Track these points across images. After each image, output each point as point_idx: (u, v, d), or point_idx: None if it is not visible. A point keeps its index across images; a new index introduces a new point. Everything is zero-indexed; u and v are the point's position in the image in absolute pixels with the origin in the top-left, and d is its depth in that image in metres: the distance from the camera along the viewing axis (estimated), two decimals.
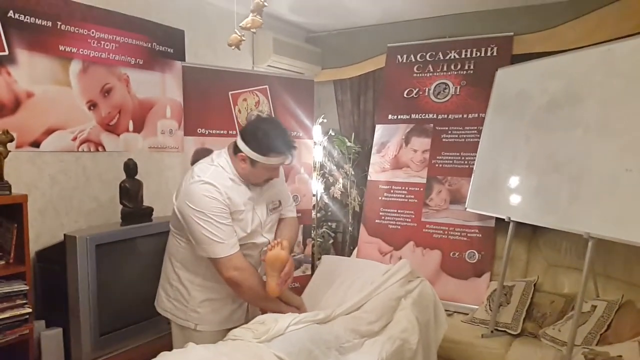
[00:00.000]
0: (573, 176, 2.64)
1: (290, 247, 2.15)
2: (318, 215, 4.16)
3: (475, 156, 3.46)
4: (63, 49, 2.70)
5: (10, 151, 2.25)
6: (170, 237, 2.16)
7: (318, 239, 4.00)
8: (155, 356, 1.71)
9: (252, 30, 2.16)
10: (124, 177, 2.76)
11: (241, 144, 1.99)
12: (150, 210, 2.77)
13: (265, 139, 1.96)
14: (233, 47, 2.39)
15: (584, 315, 2.77)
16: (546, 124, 2.92)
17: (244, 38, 2.36)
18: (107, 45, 2.92)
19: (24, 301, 2.18)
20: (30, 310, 2.17)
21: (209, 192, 1.93)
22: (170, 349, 2.03)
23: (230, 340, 1.86)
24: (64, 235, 2.32)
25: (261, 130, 2.00)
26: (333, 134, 4.11)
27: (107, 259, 2.40)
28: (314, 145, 3.81)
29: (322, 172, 4.05)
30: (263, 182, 2.09)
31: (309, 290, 2.54)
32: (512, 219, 3.02)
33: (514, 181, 3.09)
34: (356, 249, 3.92)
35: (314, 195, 3.85)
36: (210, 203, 1.92)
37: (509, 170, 3.14)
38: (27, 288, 2.19)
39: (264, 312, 2.23)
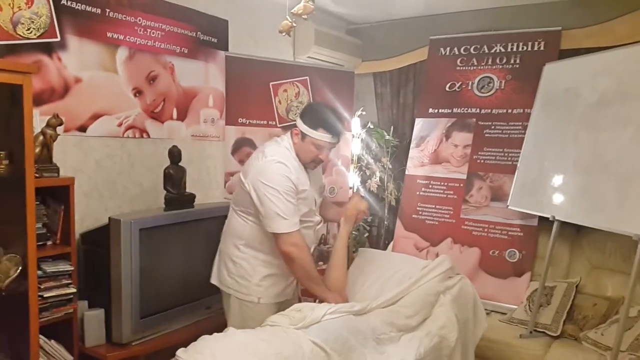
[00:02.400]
0: (622, 176, 2.54)
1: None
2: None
3: (519, 153, 3.38)
4: (111, 36, 2.75)
5: (59, 134, 2.31)
6: (233, 217, 2.29)
7: (353, 232, 3.98)
8: (194, 340, 1.74)
9: (303, 16, 2.19)
10: (166, 164, 2.80)
11: (298, 121, 2.24)
12: (192, 196, 2.80)
13: (318, 114, 2.21)
14: (284, 34, 2.42)
15: (630, 321, 2.68)
16: (595, 122, 2.82)
17: (294, 24, 2.39)
18: (153, 33, 2.96)
19: (69, 281, 2.24)
20: (74, 290, 2.24)
21: (282, 170, 2.12)
22: (212, 331, 2.08)
23: (268, 326, 1.87)
24: (109, 218, 2.36)
25: (319, 107, 2.28)
26: (372, 126, 4.08)
27: (149, 243, 2.44)
28: (352, 138, 3.79)
29: (359, 165, 4.02)
30: (310, 162, 2.25)
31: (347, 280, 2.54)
32: (556, 218, 2.94)
33: (559, 180, 3.00)
34: (392, 243, 3.88)
35: (350, 188, 3.83)
36: (283, 181, 2.10)
37: (554, 168, 3.05)
38: (72, 268, 2.25)
39: (307, 294, 2.44)
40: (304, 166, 2.25)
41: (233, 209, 2.30)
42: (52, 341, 2.21)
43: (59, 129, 2.36)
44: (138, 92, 2.93)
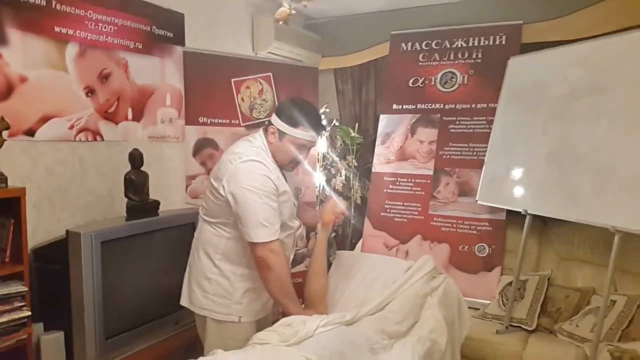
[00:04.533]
0: (598, 169, 2.55)
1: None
2: (319, 207, 4.02)
3: (485, 147, 3.37)
4: (59, 31, 2.50)
5: (5, 140, 2.06)
6: (205, 229, 2.07)
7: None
8: (166, 357, 1.56)
9: (303, 3, 2.05)
10: (122, 168, 2.59)
11: (273, 118, 2.04)
12: (156, 203, 2.59)
13: (296, 111, 2.01)
14: (281, 22, 2.27)
15: (598, 310, 2.70)
16: (566, 114, 2.83)
17: (293, 11, 2.23)
18: (105, 28, 2.72)
19: (22, 303, 2.00)
20: (29, 313, 2.00)
21: (260, 170, 1.93)
22: (183, 347, 1.93)
23: (257, 345, 1.72)
24: (67, 231, 2.13)
25: (296, 104, 2.05)
26: (337, 124, 3.97)
27: (112, 257, 2.23)
28: None
29: (324, 163, 3.91)
30: (289, 164, 2.08)
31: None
32: (528, 211, 2.93)
33: (530, 173, 3.00)
34: (360, 242, 3.80)
35: (317, 188, 3.72)
36: (263, 181, 1.92)
37: (524, 162, 3.05)
38: (26, 289, 2.01)
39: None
40: (279, 168, 2.07)
41: (205, 221, 2.07)
42: None
43: (4, 134, 2.11)
44: (90, 92, 2.69)
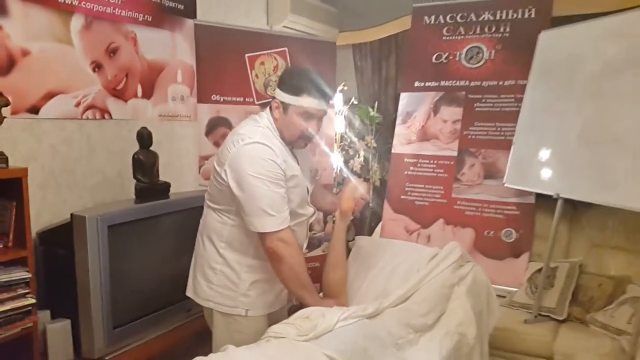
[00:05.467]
0: (636, 149, 2.36)
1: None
2: (336, 190, 3.88)
3: (513, 127, 3.17)
4: (63, 1, 2.35)
5: (5, 117, 1.94)
6: (210, 215, 1.92)
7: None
8: (175, 349, 1.44)
9: None
10: (131, 147, 2.46)
11: (276, 92, 1.88)
12: (167, 185, 2.47)
13: (298, 79, 1.83)
14: None
15: (635, 300, 2.54)
16: (602, 91, 2.63)
17: None
18: None
19: (26, 290, 1.89)
20: (33, 300, 1.89)
21: (265, 153, 1.76)
22: (194, 336, 1.81)
23: (272, 339, 1.59)
24: (71, 215, 2.01)
25: (297, 72, 1.90)
26: (355, 102, 3.80)
27: (120, 241, 2.11)
28: (335, 115, 3.51)
29: (341, 144, 3.75)
30: (298, 140, 1.88)
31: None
32: (560, 195, 2.75)
33: (562, 154, 2.81)
34: (379, 226, 3.65)
35: (334, 170, 3.58)
36: (268, 166, 1.75)
37: (555, 143, 2.86)
38: (30, 275, 1.90)
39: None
40: (290, 147, 1.90)
41: (209, 207, 1.93)
42: None
43: (5, 111, 1.98)
44: (97, 67, 2.55)
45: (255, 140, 1.76)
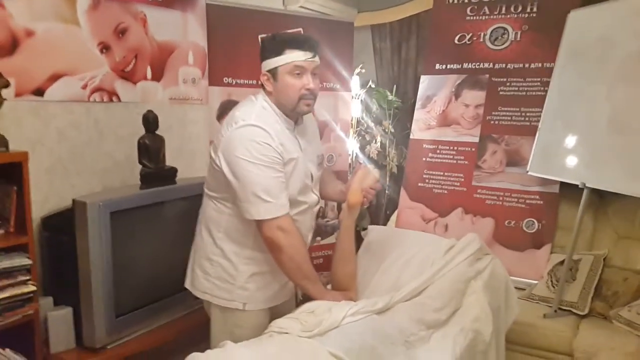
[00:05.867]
0: None
1: None
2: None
3: (539, 112, 3.03)
4: None
5: (5, 99, 1.88)
6: (207, 203, 1.84)
7: None
8: (178, 339, 1.38)
9: None
10: (141, 131, 2.39)
11: (262, 65, 1.76)
12: (173, 170, 2.40)
13: (275, 39, 1.74)
14: None
15: None
16: (635, 75, 2.47)
17: None
18: None
19: (27, 277, 1.85)
20: (34, 288, 1.85)
21: (259, 136, 1.65)
22: (198, 326, 1.75)
23: (275, 334, 1.52)
24: (73, 200, 1.96)
25: (272, 35, 1.77)
26: (373, 86, 3.68)
27: (123, 228, 2.05)
28: (352, 99, 3.40)
29: (358, 129, 3.64)
30: (299, 103, 1.73)
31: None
32: (587, 185, 2.61)
33: (590, 142, 2.66)
34: (395, 214, 3.55)
35: (350, 156, 3.48)
36: (262, 149, 1.64)
37: (584, 130, 2.71)
38: (31, 262, 1.85)
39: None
40: (295, 122, 1.80)
41: (207, 195, 1.86)
42: (7, 350, 1.81)
43: (8, 93, 1.93)
44: (105, 48, 2.48)
45: (249, 123, 1.67)
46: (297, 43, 1.70)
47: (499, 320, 2.02)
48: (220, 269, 1.79)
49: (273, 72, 1.71)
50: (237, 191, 1.66)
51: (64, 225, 2.02)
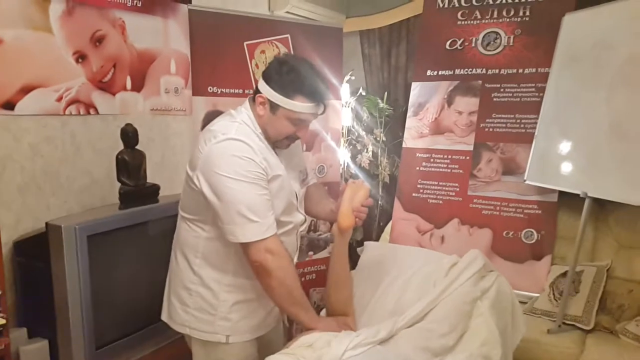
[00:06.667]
0: None
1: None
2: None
3: (534, 118, 2.94)
4: None
5: None
6: (182, 226, 1.68)
7: None
8: None
9: None
10: (121, 146, 2.24)
11: (261, 84, 1.59)
12: (155, 188, 2.25)
13: (291, 76, 1.54)
14: None
15: None
16: (636, 79, 2.39)
17: None
18: None
19: None
20: (4, 321, 1.68)
21: (240, 151, 1.50)
22: (186, 354, 1.60)
23: None
24: (46, 224, 1.81)
25: (288, 65, 1.57)
26: (364, 93, 3.56)
27: (102, 253, 1.90)
28: (342, 107, 3.28)
29: (349, 138, 3.52)
30: (283, 141, 1.63)
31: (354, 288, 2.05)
32: (588, 194, 2.52)
33: (590, 149, 2.57)
34: (389, 225, 3.43)
35: (341, 166, 3.35)
36: (245, 165, 1.49)
37: (583, 137, 2.62)
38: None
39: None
40: (272, 146, 1.64)
41: (182, 216, 1.69)
42: None
43: None
44: (81, 57, 2.33)
45: (229, 137, 1.51)
46: (312, 94, 1.55)
47: (506, 340, 1.90)
48: (200, 298, 1.63)
49: (274, 105, 1.55)
50: (219, 212, 1.51)
51: (38, 250, 1.86)
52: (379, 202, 3.65)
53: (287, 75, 1.53)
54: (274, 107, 1.55)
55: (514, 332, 2.01)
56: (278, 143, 1.63)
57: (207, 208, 1.54)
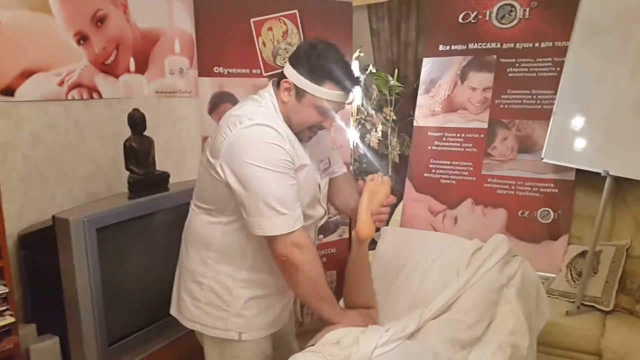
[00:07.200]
0: None
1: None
2: (352, 168, 3.56)
3: (551, 94, 2.84)
4: None
5: None
6: (196, 217, 1.59)
7: None
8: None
9: None
10: (126, 130, 2.16)
11: (288, 69, 1.48)
12: (165, 175, 2.16)
13: (321, 60, 1.43)
14: None
15: None
16: None
17: None
18: None
19: (4, 307, 1.62)
20: (12, 319, 1.62)
21: (270, 137, 1.41)
22: (199, 348, 1.53)
23: None
24: (53, 217, 1.73)
25: (318, 49, 1.46)
26: (374, 70, 3.45)
27: (112, 245, 1.83)
28: None
29: (358, 117, 3.41)
30: (306, 131, 1.53)
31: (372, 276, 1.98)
32: (610, 173, 2.44)
33: (613, 126, 2.48)
34: (400, 207, 3.36)
35: (350, 147, 3.27)
36: (275, 153, 1.40)
37: (605, 113, 2.52)
38: (7, 290, 1.62)
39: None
40: (296, 132, 1.53)
41: (196, 206, 1.60)
42: None
43: None
44: (82, 39, 2.23)
45: (257, 122, 1.42)
46: (342, 81, 1.44)
47: (531, 328, 1.85)
48: (212, 293, 1.55)
49: (300, 90, 1.46)
50: (245, 203, 1.41)
51: (43, 244, 1.79)
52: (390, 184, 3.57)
53: (317, 60, 1.42)
54: (300, 93, 1.45)
55: (539, 318, 1.97)
56: (300, 134, 1.52)
57: (229, 198, 1.46)
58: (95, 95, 2.29)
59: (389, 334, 1.38)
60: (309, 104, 1.45)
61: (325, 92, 1.43)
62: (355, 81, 1.49)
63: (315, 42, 1.48)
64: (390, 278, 1.92)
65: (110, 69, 2.36)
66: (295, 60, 1.47)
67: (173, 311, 1.68)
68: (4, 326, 1.61)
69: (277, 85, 1.52)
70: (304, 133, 1.53)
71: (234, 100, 2.68)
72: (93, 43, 2.27)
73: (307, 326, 2.89)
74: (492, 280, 1.76)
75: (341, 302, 1.82)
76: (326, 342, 1.38)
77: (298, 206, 1.45)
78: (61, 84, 2.16)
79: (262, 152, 1.39)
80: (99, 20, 2.29)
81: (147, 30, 2.51)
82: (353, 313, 1.61)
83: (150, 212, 2.00)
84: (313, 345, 1.39)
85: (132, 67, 2.46)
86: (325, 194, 1.69)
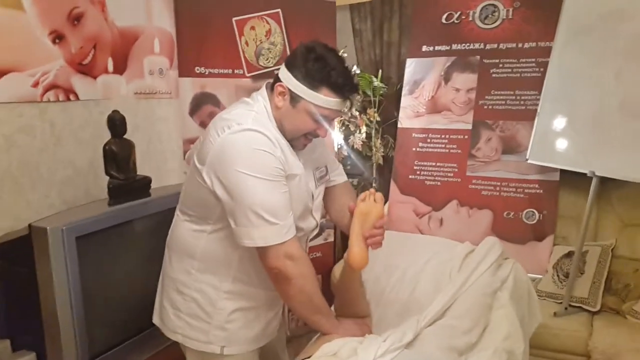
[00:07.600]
0: None
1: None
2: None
3: (535, 95, 2.85)
4: None
5: None
6: (181, 225, 1.52)
7: None
8: None
9: None
10: (104, 133, 2.07)
11: (283, 72, 1.42)
12: (147, 180, 2.07)
13: (318, 64, 1.37)
14: None
15: None
16: None
17: None
18: None
19: None
20: None
21: (259, 144, 1.34)
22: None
23: None
24: (29, 226, 1.63)
25: (316, 52, 1.38)
26: (358, 71, 3.40)
27: (93, 255, 1.73)
28: None
29: (342, 118, 3.37)
30: (300, 139, 1.46)
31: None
32: (596, 173, 2.44)
33: (598, 127, 2.49)
34: (385, 209, 3.32)
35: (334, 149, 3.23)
36: (264, 159, 1.34)
37: (590, 114, 2.53)
38: None
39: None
40: (289, 140, 1.47)
41: (181, 212, 1.54)
42: None
43: None
44: (58, 38, 2.12)
45: (247, 127, 1.35)
46: (340, 87, 1.38)
47: (525, 331, 1.83)
48: (194, 304, 1.48)
49: (295, 96, 1.39)
50: (233, 213, 1.34)
51: (18, 254, 1.69)
52: (374, 185, 3.53)
53: (314, 64, 1.36)
54: (294, 98, 1.39)
55: (531, 320, 1.96)
56: (295, 141, 1.46)
57: (213, 205, 1.39)
58: (72, 96, 2.19)
59: (387, 344, 1.33)
60: (304, 110, 1.39)
61: (321, 99, 1.37)
62: (354, 88, 1.43)
63: (313, 44, 1.42)
64: (381, 282, 1.88)
65: (87, 70, 2.25)
66: (291, 63, 1.41)
67: (156, 320, 1.62)
68: None
69: (271, 89, 1.46)
70: (299, 140, 1.46)
71: (215, 101, 2.62)
72: (69, 42, 2.17)
73: (292, 332, 2.84)
74: (485, 284, 1.74)
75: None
76: (323, 355, 1.32)
77: (290, 215, 1.38)
78: (36, 85, 2.05)
79: (251, 159, 1.32)
80: (76, 18, 2.19)
81: (125, 28, 2.42)
82: (348, 322, 1.56)
83: (132, 219, 1.91)
84: (309, 357, 1.33)
85: (111, 67, 2.36)
86: (319, 203, 1.62)
